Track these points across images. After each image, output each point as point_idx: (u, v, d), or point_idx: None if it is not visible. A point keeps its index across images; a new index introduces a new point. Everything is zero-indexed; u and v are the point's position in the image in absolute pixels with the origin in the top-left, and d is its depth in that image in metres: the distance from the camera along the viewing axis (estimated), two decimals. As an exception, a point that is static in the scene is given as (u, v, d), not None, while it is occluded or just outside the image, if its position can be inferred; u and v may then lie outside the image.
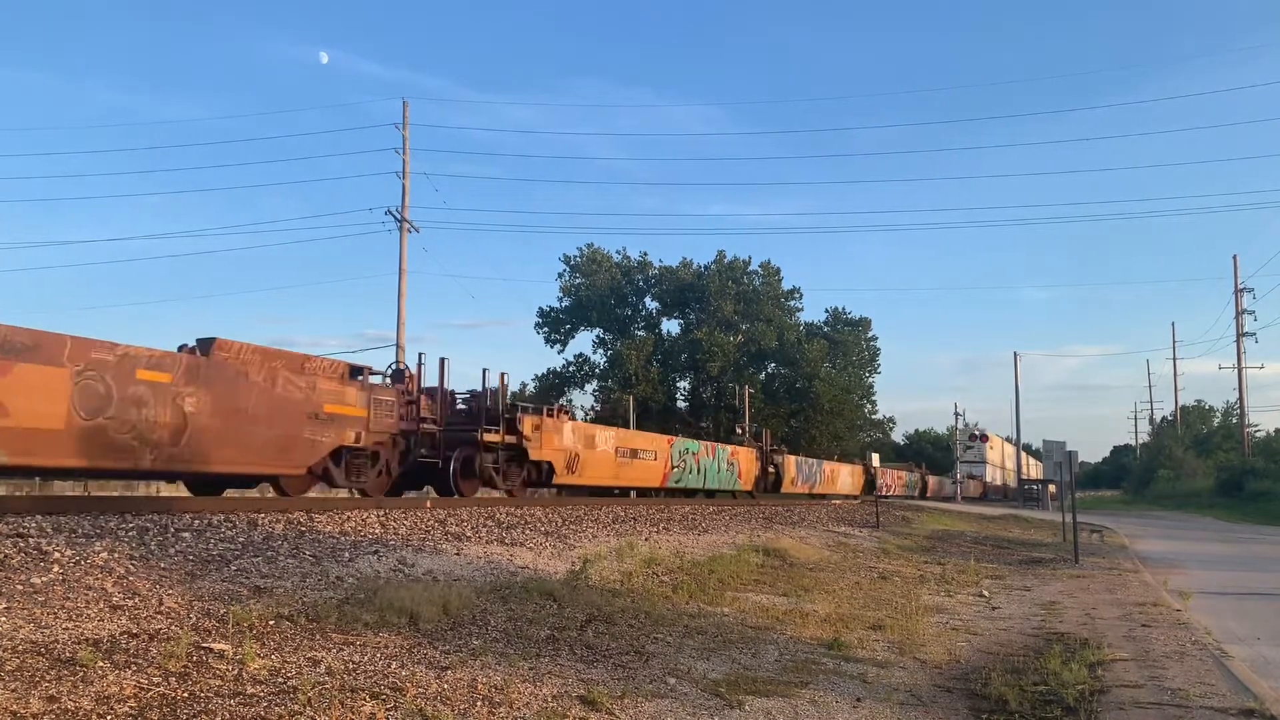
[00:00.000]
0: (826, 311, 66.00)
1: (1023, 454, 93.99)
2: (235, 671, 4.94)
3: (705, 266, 61.22)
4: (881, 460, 50.61)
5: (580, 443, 19.97)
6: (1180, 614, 10.87)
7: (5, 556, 6.55)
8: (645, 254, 62.59)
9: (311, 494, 14.48)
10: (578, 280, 61.09)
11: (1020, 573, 16.28)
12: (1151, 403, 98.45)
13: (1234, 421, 76.87)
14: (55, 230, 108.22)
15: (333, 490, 15.05)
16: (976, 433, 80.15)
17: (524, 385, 62.57)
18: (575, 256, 61.30)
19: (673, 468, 25.08)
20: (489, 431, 16.63)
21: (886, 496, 44.18)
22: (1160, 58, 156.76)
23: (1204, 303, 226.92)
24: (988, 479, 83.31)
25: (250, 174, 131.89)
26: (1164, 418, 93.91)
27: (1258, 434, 69.36)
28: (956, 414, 73.27)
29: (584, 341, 67.73)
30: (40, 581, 6.09)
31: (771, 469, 33.51)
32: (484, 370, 21.01)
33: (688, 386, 61.23)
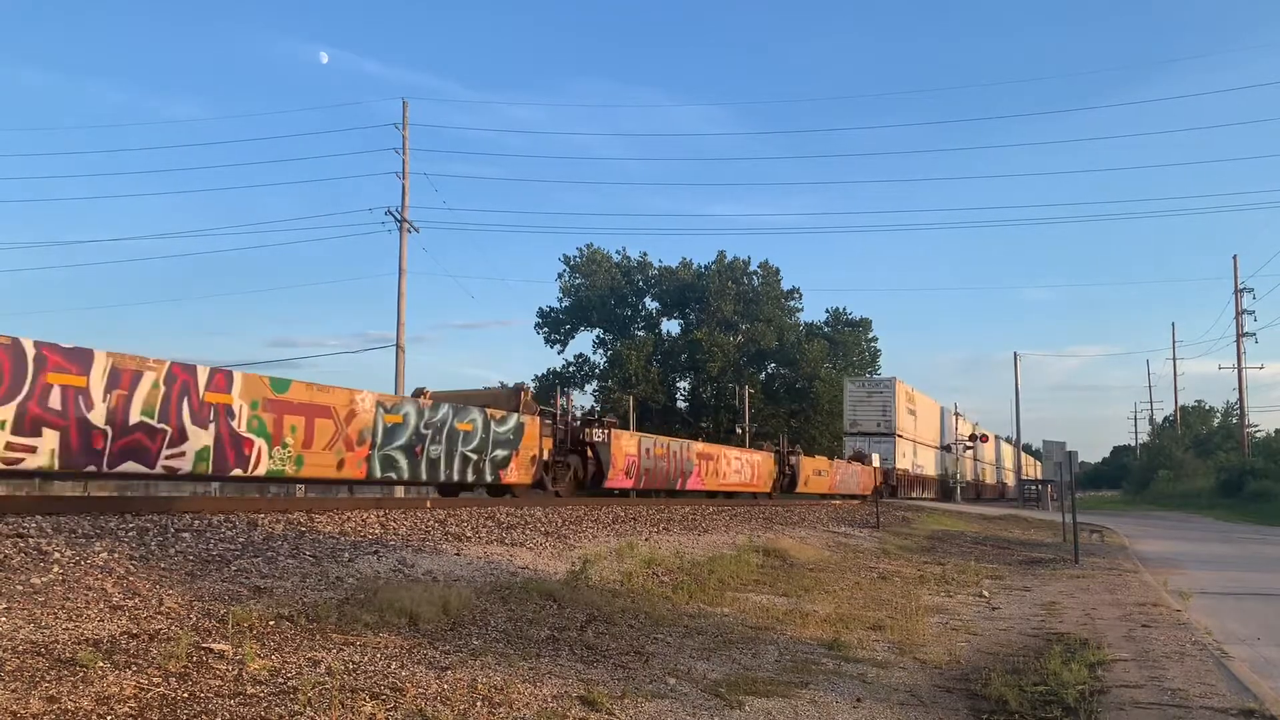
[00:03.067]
0: (826, 311, 66.23)
1: (1023, 454, 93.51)
2: (235, 672, 4.94)
3: (705, 267, 61.33)
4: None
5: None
6: (1180, 614, 10.87)
7: (5, 556, 6.54)
8: (645, 254, 62.74)
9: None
10: (578, 280, 61.15)
11: (1020, 573, 16.28)
12: (1151, 403, 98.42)
13: (1234, 422, 76.88)
14: (56, 230, 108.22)
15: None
16: (878, 379, 51.12)
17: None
18: (575, 257, 61.41)
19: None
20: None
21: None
22: (1160, 58, 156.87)
23: (1204, 303, 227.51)
24: (906, 465, 48.57)
25: (251, 174, 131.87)
26: (1164, 418, 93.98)
27: (1258, 434, 69.38)
28: (957, 414, 70.78)
29: (584, 342, 67.97)
30: (40, 582, 6.09)
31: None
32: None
33: (688, 386, 61.30)
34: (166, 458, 10.45)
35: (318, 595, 6.99)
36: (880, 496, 40.92)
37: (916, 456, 51.04)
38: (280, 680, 4.91)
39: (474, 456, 15.93)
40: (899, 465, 46.63)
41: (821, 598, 11.02)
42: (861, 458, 42.95)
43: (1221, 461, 66.85)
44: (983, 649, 8.56)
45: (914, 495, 47.45)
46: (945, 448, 61.84)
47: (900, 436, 47.29)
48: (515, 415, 17.40)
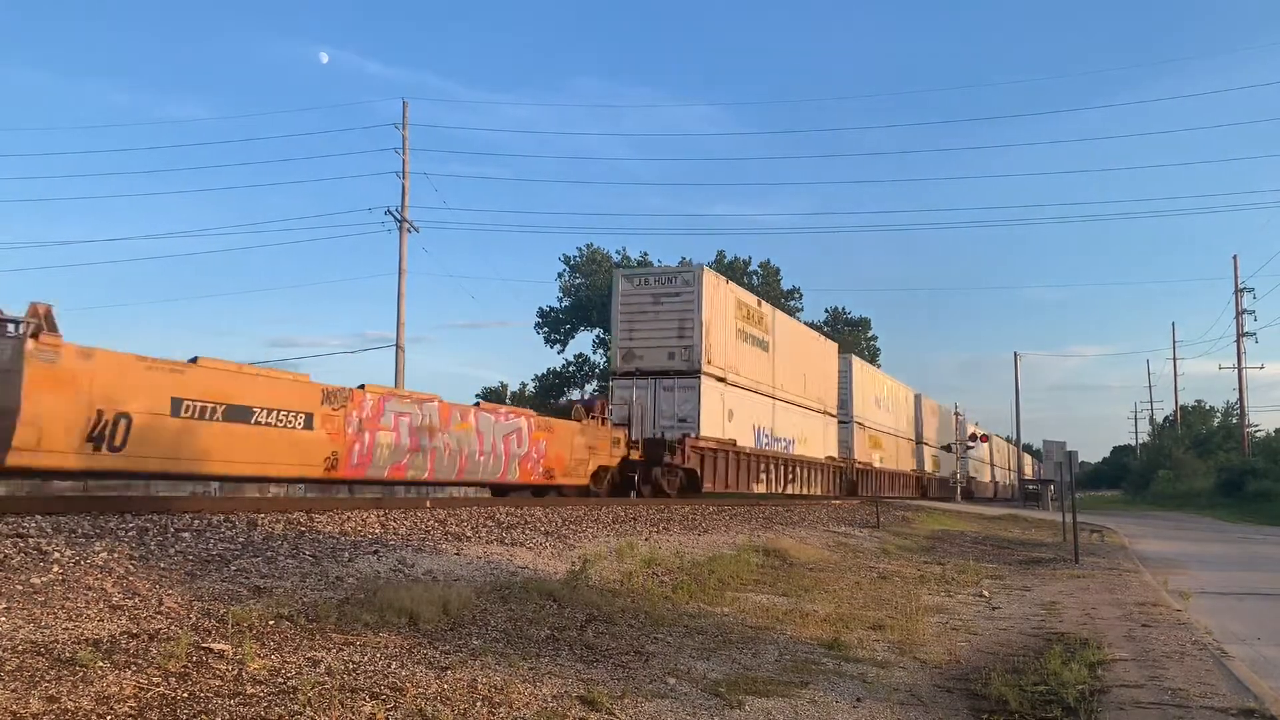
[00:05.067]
0: (826, 311, 66.12)
1: (1024, 454, 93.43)
2: (235, 672, 4.94)
3: (705, 266, 61.31)
4: None
5: None
6: (1180, 614, 10.87)
7: (5, 556, 6.54)
8: (645, 254, 62.65)
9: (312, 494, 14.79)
10: (578, 280, 61.14)
11: (1020, 573, 16.27)
12: (1151, 403, 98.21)
13: (1234, 421, 76.88)
14: (55, 230, 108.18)
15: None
16: (670, 269, 29.67)
17: (524, 385, 62.61)
18: (575, 256, 61.37)
19: None
20: None
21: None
22: (1161, 58, 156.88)
23: (1204, 303, 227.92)
24: (734, 434, 25.04)
25: (251, 174, 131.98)
26: (1164, 418, 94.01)
27: (1258, 434, 69.42)
28: (957, 414, 69.42)
29: (584, 341, 67.89)
30: (40, 581, 6.09)
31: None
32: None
33: (688, 386, 61.20)
34: None
35: (317, 595, 6.99)
36: (646, 489, 22.02)
37: (767, 421, 27.95)
38: (280, 680, 4.91)
39: None
40: (708, 432, 23.32)
41: (821, 597, 11.02)
42: (584, 410, 20.64)
43: (1222, 461, 66.87)
44: (983, 649, 8.56)
45: (755, 489, 26.88)
46: (945, 447, 59.45)
47: (718, 379, 24.29)
48: None
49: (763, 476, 27.80)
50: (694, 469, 23.12)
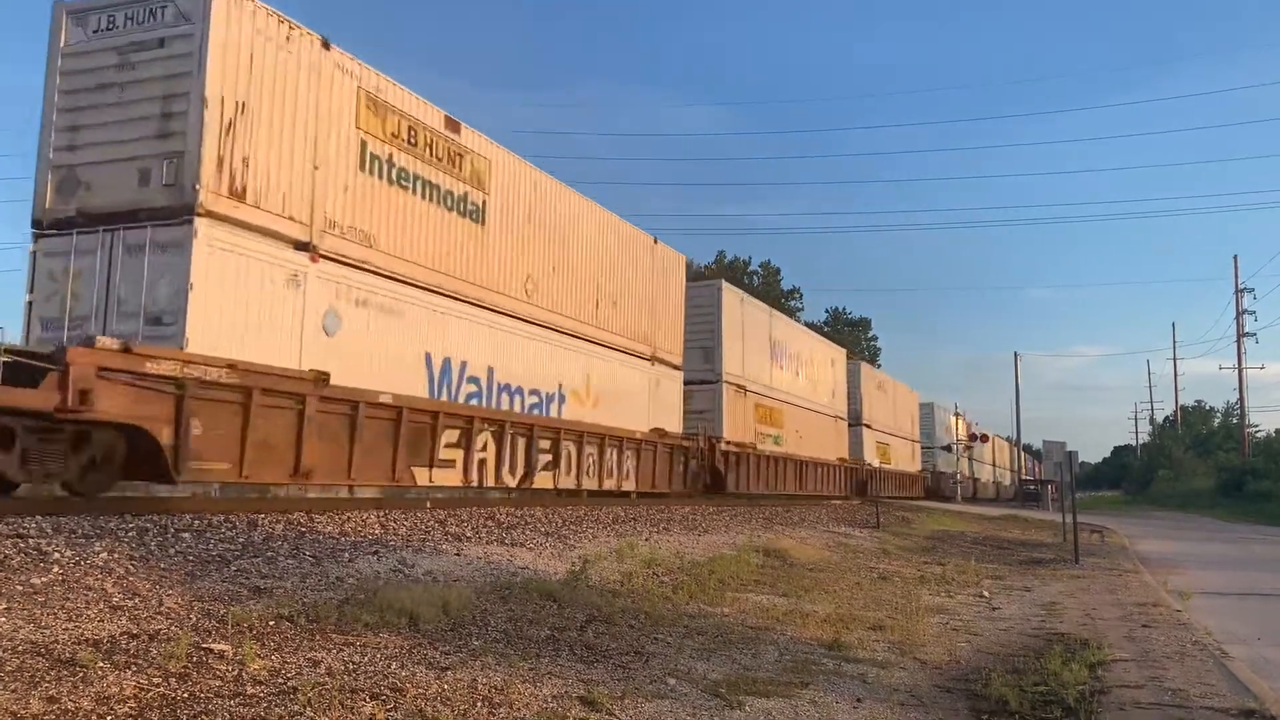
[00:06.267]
0: (826, 311, 66.26)
1: (1024, 453, 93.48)
2: (235, 672, 4.94)
3: (705, 266, 61.37)
4: None
5: None
6: (1180, 614, 10.87)
7: (5, 557, 6.54)
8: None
9: (312, 494, 14.66)
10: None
11: (1020, 573, 16.27)
12: (1152, 403, 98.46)
13: (1234, 422, 76.98)
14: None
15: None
16: None
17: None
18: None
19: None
20: None
21: None
22: (1161, 58, 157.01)
23: (1204, 303, 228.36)
24: (291, 354, 11.33)
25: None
26: (1165, 418, 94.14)
27: (1258, 434, 69.58)
28: (959, 414, 68.89)
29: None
30: (40, 582, 6.09)
31: None
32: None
33: (688, 387, 61.16)
34: None
35: (318, 595, 6.99)
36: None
37: (483, 354, 15.61)
38: (280, 680, 4.91)
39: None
40: (205, 343, 10.34)
41: (821, 598, 11.02)
42: None
43: (1222, 461, 66.99)
44: (983, 649, 8.56)
45: (424, 479, 14.02)
46: (946, 447, 58.70)
47: (295, 244, 11.62)
48: None
49: (454, 458, 14.73)
50: (143, 427, 9.94)
